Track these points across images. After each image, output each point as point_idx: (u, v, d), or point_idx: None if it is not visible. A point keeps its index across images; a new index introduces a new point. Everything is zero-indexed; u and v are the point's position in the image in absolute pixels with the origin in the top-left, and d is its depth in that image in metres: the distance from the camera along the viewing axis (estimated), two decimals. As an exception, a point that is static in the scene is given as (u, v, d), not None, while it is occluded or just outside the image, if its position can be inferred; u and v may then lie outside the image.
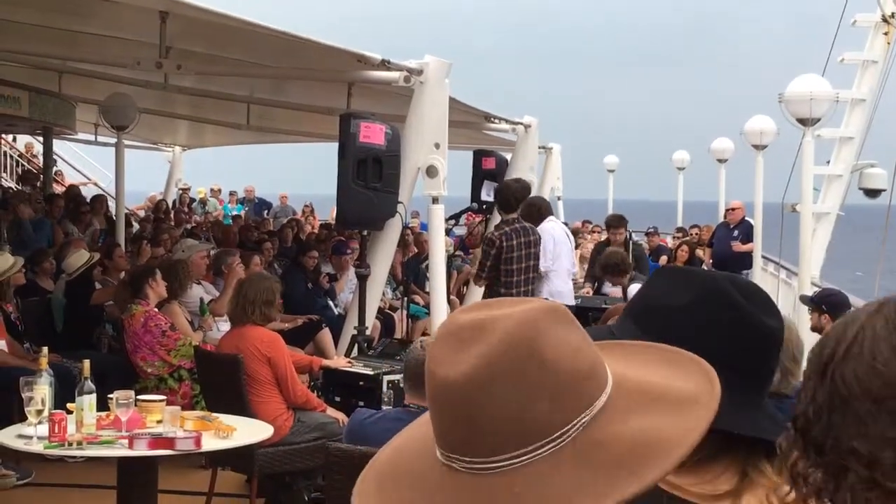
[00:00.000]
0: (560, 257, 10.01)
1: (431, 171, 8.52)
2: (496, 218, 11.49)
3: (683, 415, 1.31)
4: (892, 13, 12.50)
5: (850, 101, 14.20)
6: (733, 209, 16.48)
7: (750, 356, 1.68)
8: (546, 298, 9.27)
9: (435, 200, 8.70)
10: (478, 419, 1.25)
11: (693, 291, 1.75)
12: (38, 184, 18.56)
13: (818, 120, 10.88)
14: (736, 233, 16.00)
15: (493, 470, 1.25)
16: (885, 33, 13.87)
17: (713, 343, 1.66)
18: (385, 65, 8.55)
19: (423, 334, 11.82)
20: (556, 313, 1.32)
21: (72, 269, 9.43)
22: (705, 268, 16.39)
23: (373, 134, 8.25)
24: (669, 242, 19.55)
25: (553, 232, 10.11)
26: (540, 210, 10.20)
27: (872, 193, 14.50)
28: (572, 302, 10.08)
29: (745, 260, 15.76)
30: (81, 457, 6.12)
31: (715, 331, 1.66)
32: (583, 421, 1.27)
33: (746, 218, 16.16)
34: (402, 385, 7.15)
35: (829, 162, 14.45)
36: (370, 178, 8.24)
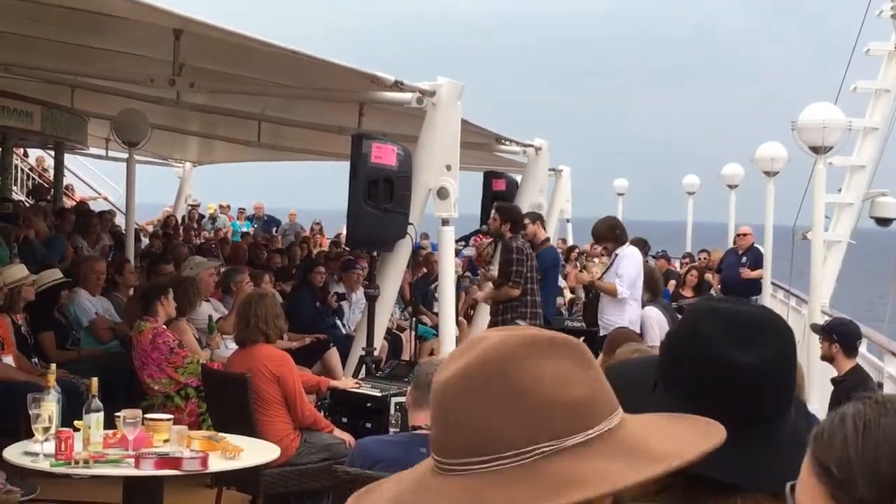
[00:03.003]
0: (639, 288, 9.61)
1: (442, 193, 8.51)
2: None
3: (637, 466, 1.34)
4: (907, 42, 12.52)
5: (863, 130, 14.18)
6: (743, 235, 16.46)
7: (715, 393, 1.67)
8: (625, 328, 8.81)
9: (445, 222, 8.69)
10: (446, 421, 1.37)
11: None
12: (49, 198, 18.59)
13: (831, 148, 10.85)
14: (745, 259, 15.97)
15: (452, 471, 1.35)
16: (899, 62, 13.88)
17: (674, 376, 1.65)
18: (398, 86, 8.55)
19: (431, 354, 11.81)
20: (543, 343, 1.38)
21: (40, 283, 9.16)
22: (713, 293, 16.38)
23: (385, 154, 8.24)
24: (677, 267, 19.51)
25: (640, 260, 9.77)
26: (625, 234, 9.87)
27: (884, 222, 14.47)
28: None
29: (754, 286, 15.73)
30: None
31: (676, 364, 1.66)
32: (542, 449, 1.33)
33: (755, 244, 16.14)
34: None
35: (840, 190, 14.42)
36: (381, 198, 8.23)
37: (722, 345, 1.66)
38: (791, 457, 1.66)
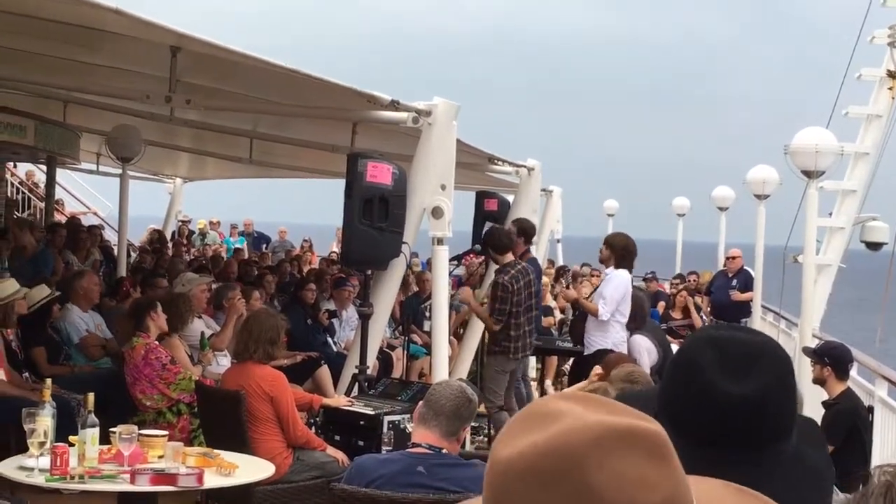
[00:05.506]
0: (624, 313, 9.57)
1: (437, 213, 8.51)
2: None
3: None
4: (898, 68, 12.60)
5: (854, 155, 14.26)
6: (732, 258, 16.52)
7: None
8: (610, 350, 8.87)
9: (440, 242, 8.68)
10: None
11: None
12: (33, 212, 18.54)
13: (823, 172, 10.91)
14: (735, 282, 16.03)
15: None
16: (890, 88, 13.96)
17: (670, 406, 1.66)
18: (394, 105, 8.55)
19: (420, 375, 11.81)
20: (633, 438, 1.24)
21: (31, 303, 9.08)
22: (703, 315, 16.42)
23: (380, 174, 8.25)
24: (667, 288, 19.55)
25: (628, 284, 9.73)
26: (631, 254, 9.82)
27: (874, 246, 14.57)
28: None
29: (744, 309, 15.78)
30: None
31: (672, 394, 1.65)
32: None
33: (745, 267, 16.20)
34: (402, 426, 7.15)
35: (831, 214, 14.50)
36: (376, 217, 8.24)
37: (714, 376, 1.66)
38: (789, 482, 1.65)
